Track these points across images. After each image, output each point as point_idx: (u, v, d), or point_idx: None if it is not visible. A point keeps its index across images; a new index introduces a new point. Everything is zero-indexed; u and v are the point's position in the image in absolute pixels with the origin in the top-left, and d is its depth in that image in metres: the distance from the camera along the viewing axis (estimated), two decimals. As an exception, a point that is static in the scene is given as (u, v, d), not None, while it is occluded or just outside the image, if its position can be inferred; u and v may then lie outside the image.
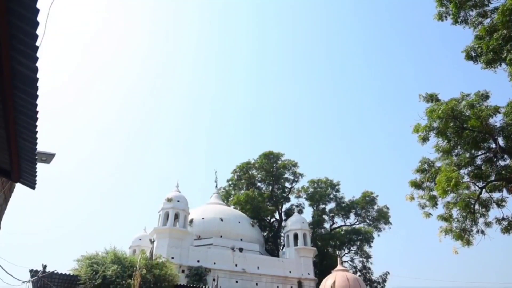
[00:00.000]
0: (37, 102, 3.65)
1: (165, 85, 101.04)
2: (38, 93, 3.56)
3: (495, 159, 12.67)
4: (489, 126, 12.04)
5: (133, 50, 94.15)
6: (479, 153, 12.96)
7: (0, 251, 6.58)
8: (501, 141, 12.31)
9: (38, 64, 3.31)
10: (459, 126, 12.44)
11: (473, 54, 11.74)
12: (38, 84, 3.48)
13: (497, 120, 12.26)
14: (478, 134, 12.16)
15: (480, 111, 11.79)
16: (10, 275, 8.49)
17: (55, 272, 14.86)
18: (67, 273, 15.53)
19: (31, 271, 14.36)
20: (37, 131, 4.06)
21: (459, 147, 13.09)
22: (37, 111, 3.77)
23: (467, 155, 13.01)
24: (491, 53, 10.75)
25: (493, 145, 12.51)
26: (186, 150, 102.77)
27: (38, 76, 3.39)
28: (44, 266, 14.37)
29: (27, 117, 3.81)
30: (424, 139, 13.19)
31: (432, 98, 13.32)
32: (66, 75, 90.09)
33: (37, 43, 3.19)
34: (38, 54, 3.26)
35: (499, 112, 12.04)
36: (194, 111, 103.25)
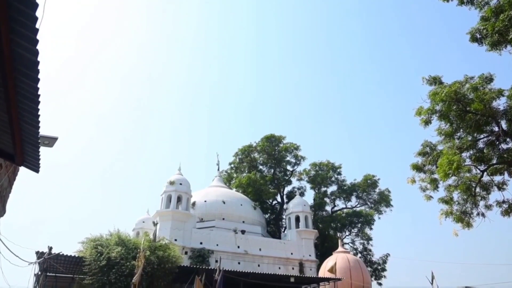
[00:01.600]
0: (39, 85, 3.64)
1: (165, 69, 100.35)
2: (39, 76, 3.55)
3: (497, 142, 12.64)
4: (492, 109, 11.96)
5: (131, 33, 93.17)
6: (482, 136, 12.92)
7: (6, 233, 6.68)
8: (504, 124, 12.25)
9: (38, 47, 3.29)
10: (462, 109, 12.37)
11: (478, 36, 11.57)
12: (39, 67, 3.46)
13: (501, 103, 12.19)
14: (481, 117, 12.10)
15: (483, 94, 11.69)
16: (17, 256, 8.66)
17: (61, 253, 15.11)
18: (72, 255, 15.79)
19: (37, 252, 14.59)
20: (39, 115, 4.06)
21: (461, 130, 13.05)
22: (39, 95, 3.76)
23: (469, 138, 12.98)
24: (497, 34, 10.59)
25: (496, 128, 12.46)
26: (187, 134, 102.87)
27: (38, 59, 3.37)
28: (50, 248, 14.59)
29: (29, 101, 3.80)
30: (427, 122, 13.13)
31: (435, 81, 13.20)
32: (63, 58, 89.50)
33: (37, 26, 3.16)
34: (37, 37, 3.24)
35: (503, 95, 11.94)
36: (195, 95, 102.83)
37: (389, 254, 35.75)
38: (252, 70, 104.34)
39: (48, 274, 15.63)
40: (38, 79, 3.55)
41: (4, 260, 7.60)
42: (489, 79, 12.23)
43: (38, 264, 14.28)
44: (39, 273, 14.47)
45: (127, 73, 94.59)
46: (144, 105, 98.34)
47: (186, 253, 23.10)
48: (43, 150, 5.36)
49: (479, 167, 13.23)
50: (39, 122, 4.19)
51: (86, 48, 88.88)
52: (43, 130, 5.08)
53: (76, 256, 15.83)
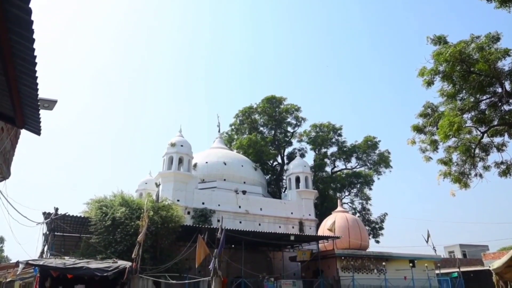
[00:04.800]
0: (34, 46, 3.55)
1: (159, 30, 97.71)
2: (34, 36, 3.45)
3: (499, 104, 12.52)
4: (496, 70, 11.74)
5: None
6: (484, 97, 12.78)
7: (13, 195, 6.81)
8: (507, 85, 12.07)
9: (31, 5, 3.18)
10: (466, 69, 12.13)
11: (487, -8, 11.10)
12: (34, 27, 3.36)
13: (506, 64, 11.92)
14: (485, 78, 11.89)
15: (489, 54, 11.41)
16: (25, 217, 8.88)
17: (67, 214, 15.50)
18: (78, 215, 16.19)
19: (44, 213, 14.97)
20: (37, 76, 4.00)
21: (464, 91, 12.87)
22: (35, 56, 3.68)
23: (472, 99, 12.83)
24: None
25: (499, 90, 12.29)
26: (186, 96, 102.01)
27: (32, 18, 3.27)
28: (56, 209, 14.95)
29: (26, 62, 3.73)
30: (429, 83, 12.93)
31: (440, 40, 12.83)
32: (59, 21, 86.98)
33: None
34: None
35: (509, 55, 11.65)
36: (189, 56, 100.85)
37: (387, 214, 36.71)
38: (247, 30, 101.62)
39: (56, 233, 16.13)
40: (34, 39, 3.46)
41: (13, 221, 7.82)
42: (496, 39, 11.89)
43: (46, 224, 14.71)
44: (47, 232, 14.93)
45: (122, 33, 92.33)
46: (141, 67, 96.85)
47: (188, 213, 23.67)
48: (43, 113, 5.33)
49: (479, 128, 13.19)
50: (37, 84, 4.13)
51: (82, 9, 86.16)
52: (42, 94, 5.04)
53: (82, 216, 16.24)
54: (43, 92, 4.67)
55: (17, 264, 10.98)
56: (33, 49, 3.56)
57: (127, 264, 10.74)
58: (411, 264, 24.25)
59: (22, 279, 18.18)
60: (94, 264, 10.26)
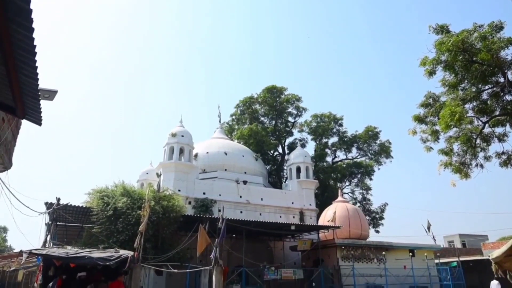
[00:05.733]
0: (34, 35, 3.52)
1: (158, 20, 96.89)
2: (33, 25, 3.42)
3: (502, 94, 12.46)
4: (499, 59, 11.65)
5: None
6: (486, 87, 12.72)
7: (15, 185, 6.84)
8: (510, 75, 12.00)
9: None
10: (468, 59, 12.04)
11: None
12: (33, 16, 3.33)
13: (509, 53, 11.82)
14: (487, 67, 11.81)
15: (492, 43, 11.32)
16: (27, 207, 8.93)
17: (69, 204, 15.57)
18: (80, 205, 16.27)
19: (46, 203, 15.04)
20: (37, 66, 3.98)
21: (466, 81, 12.80)
22: (35, 45, 3.66)
23: (474, 89, 12.78)
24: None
25: (502, 79, 12.22)
26: (186, 86, 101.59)
27: (31, 7, 3.24)
28: (58, 199, 15.02)
29: (26, 52, 3.70)
30: (431, 73, 12.85)
31: (442, 29, 12.72)
32: (59, 10, 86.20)
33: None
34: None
35: (512, 44, 11.57)
36: (189, 46, 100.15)
37: (387, 204, 36.83)
38: (247, 20, 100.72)
39: (58, 223, 16.24)
40: (33, 29, 3.43)
41: (15, 211, 7.87)
42: (499, 27, 11.78)
43: (48, 214, 14.79)
44: (50, 222, 15.03)
45: (121, 23, 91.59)
46: (140, 57, 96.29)
47: (189, 203, 23.77)
48: (44, 104, 5.32)
49: (481, 118, 13.16)
50: (37, 74, 4.11)
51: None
52: (41, 84, 5.02)
53: (84, 206, 16.32)
54: (42, 82, 4.65)
55: (20, 253, 11.10)
56: (33, 39, 3.54)
57: (129, 253, 10.82)
58: (410, 254, 24.41)
59: (25, 268, 18.43)
60: (96, 254, 10.34)
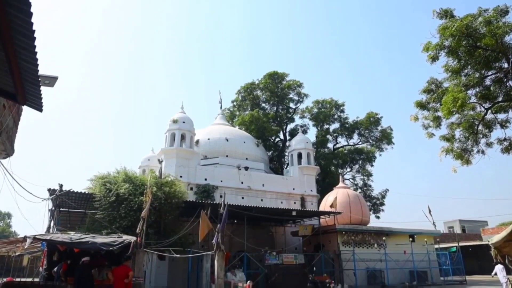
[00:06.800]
0: (32, 20, 3.48)
1: (154, 4, 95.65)
2: (32, 10, 3.38)
3: (505, 80, 12.35)
4: (504, 45, 11.51)
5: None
6: (490, 73, 12.60)
7: (18, 172, 6.87)
8: (514, 61, 11.87)
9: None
10: (472, 44, 11.90)
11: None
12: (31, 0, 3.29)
13: (513, 38, 11.68)
14: (491, 53, 11.68)
15: (496, 28, 11.16)
16: (31, 193, 8.98)
17: (71, 190, 15.67)
18: (83, 191, 16.37)
19: (49, 190, 15.14)
20: (36, 52, 3.95)
21: (469, 67, 12.68)
22: (34, 30, 3.62)
23: (477, 75, 12.65)
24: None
25: (505, 65, 12.10)
26: (187, 72, 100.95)
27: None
28: (61, 186, 15.11)
29: (25, 37, 3.66)
30: (434, 59, 12.72)
31: (446, 14, 12.53)
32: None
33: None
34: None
35: (517, 29, 11.40)
36: (187, 33, 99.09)
37: (388, 190, 36.97)
38: (245, 4, 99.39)
39: (61, 209, 16.37)
40: (31, 13, 3.39)
41: (19, 197, 7.91)
42: (505, 12, 11.60)
43: (51, 201, 14.90)
44: (53, 208, 15.16)
45: (117, 3, 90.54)
46: (135, 46, 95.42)
47: (191, 189, 23.90)
48: (45, 90, 5.30)
49: (483, 104, 13.08)
50: (37, 59, 4.08)
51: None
52: (42, 71, 4.99)
53: (86, 192, 16.43)
54: (41, 69, 4.62)
55: (24, 238, 11.21)
56: (31, 23, 3.50)
57: (132, 238, 10.95)
58: (411, 239, 24.64)
59: (30, 253, 18.67)
60: (99, 239, 10.45)
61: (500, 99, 12.72)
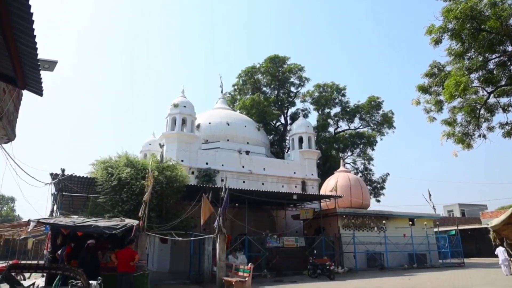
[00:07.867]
0: (30, 3, 3.44)
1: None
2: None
3: (508, 63, 12.21)
4: (508, 27, 11.33)
5: None
6: (493, 56, 12.44)
7: (20, 157, 6.90)
8: (518, 44, 11.71)
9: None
10: (476, 27, 11.71)
11: None
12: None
13: (518, 21, 11.49)
14: (495, 36, 11.50)
15: (501, 10, 10.98)
16: (33, 178, 9.04)
17: (73, 175, 15.76)
18: (85, 176, 16.46)
19: (51, 174, 15.22)
20: (35, 35, 3.91)
21: (472, 50, 12.50)
22: (32, 13, 3.57)
23: (480, 58, 12.50)
24: None
25: (510, 48, 11.95)
26: (186, 57, 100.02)
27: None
28: (63, 170, 15.19)
29: (23, 20, 3.62)
30: (437, 42, 12.53)
31: (451, -5, 12.30)
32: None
33: None
34: None
35: (523, 12, 11.20)
36: (186, 16, 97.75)
37: (388, 174, 37.11)
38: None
39: (64, 193, 16.50)
40: (29, -4, 3.35)
41: (22, 182, 7.97)
42: (510, -7, 11.38)
43: (54, 185, 15.01)
44: (56, 193, 15.28)
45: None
46: (133, 31, 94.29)
47: (192, 173, 24.01)
48: (45, 75, 5.27)
49: (486, 88, 12.97)
50: (36, 43, 4.05)
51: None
52: (42, 55, 4.96)
53: (88, 177, 16.52)
54: (40, 53, 4.59)
55: (28, 222, 11.34)
56: (29, 6, 3.45)
57: (135, 222, 11.05)
58: (410, 223, 24.88)
59: (34, 237, 18.91)
60: (102, 223, 10.56)
61: (503, 83, 12.60)
